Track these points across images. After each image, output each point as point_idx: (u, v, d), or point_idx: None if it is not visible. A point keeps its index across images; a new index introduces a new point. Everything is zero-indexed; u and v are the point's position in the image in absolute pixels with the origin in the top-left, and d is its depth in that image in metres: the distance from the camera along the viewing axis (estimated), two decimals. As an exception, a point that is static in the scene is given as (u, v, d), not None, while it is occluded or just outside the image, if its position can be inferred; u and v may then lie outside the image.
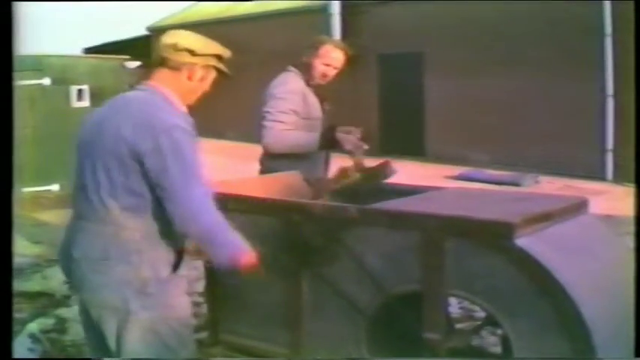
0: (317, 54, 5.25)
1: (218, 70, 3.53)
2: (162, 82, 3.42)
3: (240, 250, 3.30)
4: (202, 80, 3.49)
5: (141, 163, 3.20)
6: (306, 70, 5.30)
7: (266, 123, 5.10)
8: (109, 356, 3.45)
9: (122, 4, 27.21)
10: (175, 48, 3.40)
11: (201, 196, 3.20)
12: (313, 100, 5.29)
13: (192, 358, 3.60)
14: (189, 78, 3.44)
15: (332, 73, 5.29)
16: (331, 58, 5.27)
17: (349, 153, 4.80)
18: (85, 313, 3.50)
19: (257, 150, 5.47)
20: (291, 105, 5.13)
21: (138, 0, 27.66)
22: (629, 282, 3.55)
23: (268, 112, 5.12)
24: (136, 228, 3.28)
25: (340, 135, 4.95)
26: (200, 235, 3.29)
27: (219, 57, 3.52)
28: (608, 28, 14.30)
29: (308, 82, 5.27)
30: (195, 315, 4.12)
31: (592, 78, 14.68)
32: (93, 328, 3.47)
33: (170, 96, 3.40)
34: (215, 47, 3.51)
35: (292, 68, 5.32)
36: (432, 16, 17.42)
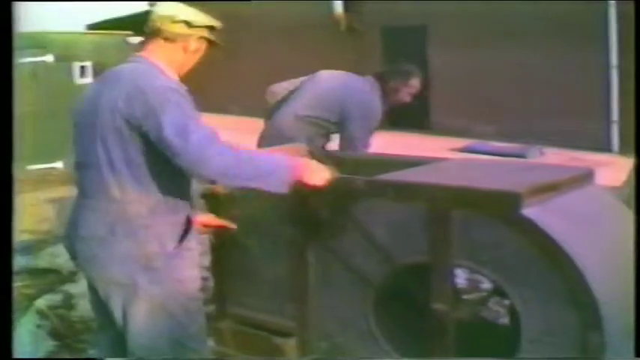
0: (407, 84, 5.67)
1: (209, 41, 3.56)
2: (155, 53, 3.46)
3: (284, 168, 3.34)
4: (195, 52, 3.53)
5: (139, 131, 3.20)
6: (389, 92, 5.65)
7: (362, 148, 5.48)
8: (117, 334, 3.46)
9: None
10: (172, 20, 3.44)
11: (202, 139, 3.13)
12: None
13: (202, 332, 3.60)
14: (184, 49, 3.48)
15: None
16: (416, 87, 5.71)
17: None
18: (93, 291, 3.50)
19: (260, 124, 5.52)
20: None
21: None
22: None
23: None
24: (141, 201, 3.27)
25: None
26: (220, 177, 3.25)
27: (212, 28, 3.55)
28: (612, -2, 14.24)
29: (384, 100, 5.63)
30: (203, 289, 4.13)
31: (596, 49, 14.63)
32: (101, 305, 3.47)
33: (161, 65, 3.42)
34: (208, 19, 3.54)
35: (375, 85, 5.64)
36: (435, -11, 17.34)
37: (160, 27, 3.43)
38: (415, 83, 5.70)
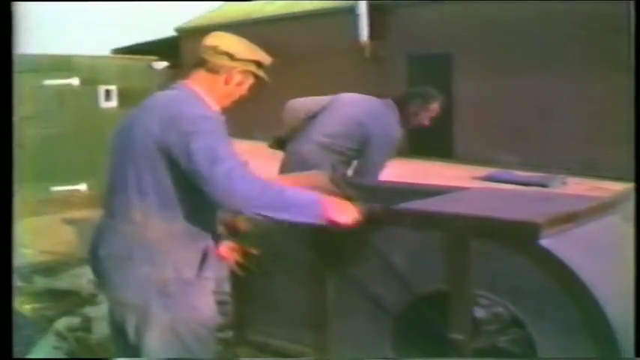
0: (428, 107, 5.68)
1: (256, 76, 3.52)
2: (197, 82, 3.42)
3: (316, 203, 3.31)
4: (239, 85, 3.48)
5: (169, 157, 3.19)
6: (408, 115, 5.67)
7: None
8: (134, 355, 3.47)
9: (151, 4, 27.33)
10: (216, 50, 3.40)
11: (230, 169, 3.12)
12: None
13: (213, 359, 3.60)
14: (227, 82, 3.43)
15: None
16: (436, 111, 5.73)
17: None
18: (112, 311, 3.53)
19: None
20: None
21: (167, 0, 27.79)
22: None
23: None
24: (161, 228, 3.28)
25: None
26: (246, 207, 3.19)
27: (258, 63, 3.51)
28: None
29: (402, 123, 5.66)
30: (223, 314, 4.14)
31: (621, 78, 14.58)
32: (118, 326, 3.49)
33: (202, 94, 3.39)
34: (255, 53, 3.49)
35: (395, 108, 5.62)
36: (460, 17, 17.38)
37: (203, 57, 3.43)
38: (435, 107, 5.71)
